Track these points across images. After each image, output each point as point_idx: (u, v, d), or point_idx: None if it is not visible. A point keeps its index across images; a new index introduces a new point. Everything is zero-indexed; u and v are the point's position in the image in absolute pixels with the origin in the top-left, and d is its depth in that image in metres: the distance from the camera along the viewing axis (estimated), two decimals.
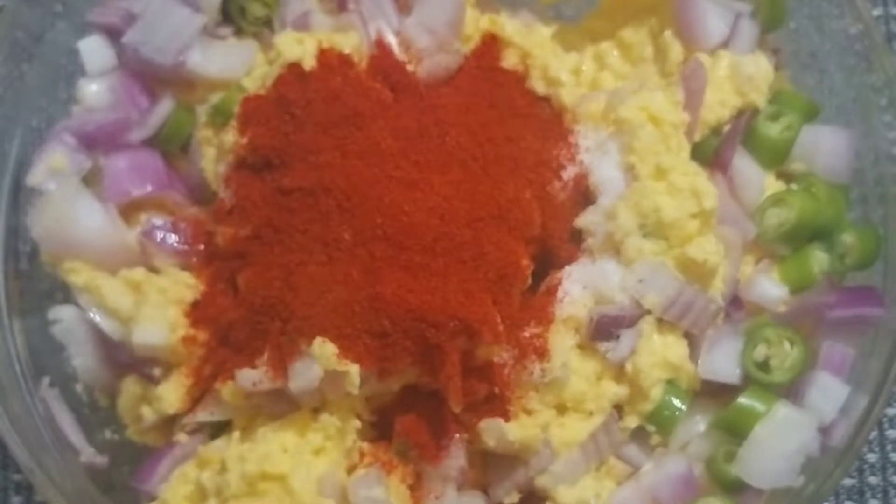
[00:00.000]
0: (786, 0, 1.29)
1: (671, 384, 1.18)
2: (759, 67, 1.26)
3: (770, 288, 1.22)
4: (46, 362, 1.27)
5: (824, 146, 1.26)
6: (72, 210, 1.20)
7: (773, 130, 1.25)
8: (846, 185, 1.28)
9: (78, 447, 1.24)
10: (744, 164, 1.23)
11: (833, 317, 1.20)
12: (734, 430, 1.17)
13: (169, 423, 1.22)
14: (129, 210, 1.24)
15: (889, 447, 1.46)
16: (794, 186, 1.27)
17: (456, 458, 1.13)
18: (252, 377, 1.13)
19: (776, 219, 1.23)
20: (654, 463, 1.19)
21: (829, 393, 1.17)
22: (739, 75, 1.25)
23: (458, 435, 1.13)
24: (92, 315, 1.22)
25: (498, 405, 1.14)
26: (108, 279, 1.21)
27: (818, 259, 1.23)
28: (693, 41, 1.26)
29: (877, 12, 1.55)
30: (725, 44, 1.27)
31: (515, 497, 1.16)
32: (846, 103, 1.29)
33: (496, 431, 1.13)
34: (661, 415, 1.18)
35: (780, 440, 1.15)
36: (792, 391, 1.19)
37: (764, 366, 1.19)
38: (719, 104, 1.25)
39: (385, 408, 1.16)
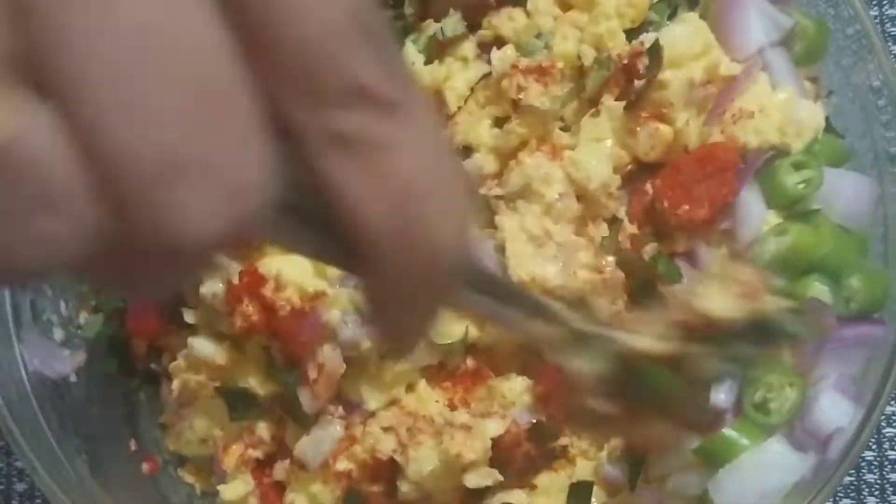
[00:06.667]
0: (827, 32, 1.22)
1: None
2: (813, 117, 1.17)
3: None
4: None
5: (845, 192, 1.18)
6: None
7: (790, 181, 1.15)
8: (863, 231, 1.19)
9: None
10: (749, 198, 1.16)
11: (835, 338, 1.14)
12: (716, 461, 1.11)
13: None
14: None
15: (886, 445, 1.46)
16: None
17: None
18: None
19: (772, 245, 1.15)
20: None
21: (830, 413, 1.12)
22: (789, 114, 1.17)
23: None
24: None
25: None
26: None
27: (816, 290, 1.15)
28: (728, 48, 1.19)
29: (873, 13, 1.56)
30: (758, 53, 1.19)
31: None
32: (844, 103, 1.28)
33: None
34: None
35: (763, 475, 1.10)
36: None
37: (762, 407, 1.13)
38: (754, 130, 1.16)
39: None
